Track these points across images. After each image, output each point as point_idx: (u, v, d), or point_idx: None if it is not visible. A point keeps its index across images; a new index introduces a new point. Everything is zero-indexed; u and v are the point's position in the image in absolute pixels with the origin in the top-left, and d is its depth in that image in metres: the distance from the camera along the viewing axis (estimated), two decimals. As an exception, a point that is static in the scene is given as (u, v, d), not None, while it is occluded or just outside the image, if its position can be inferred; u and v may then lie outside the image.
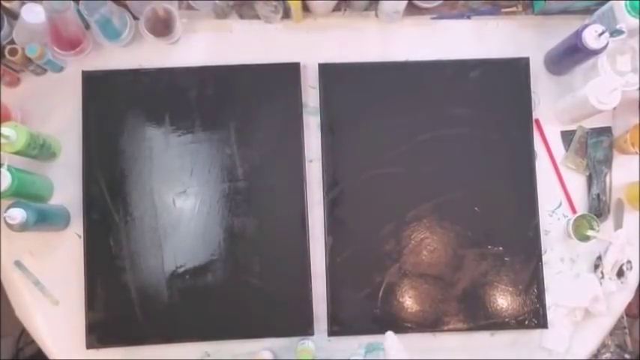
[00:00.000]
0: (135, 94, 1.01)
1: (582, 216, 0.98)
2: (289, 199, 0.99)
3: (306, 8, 1.04)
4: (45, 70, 1.02)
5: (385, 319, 0.98)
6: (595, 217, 0.98)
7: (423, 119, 1.02)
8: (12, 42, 0.98)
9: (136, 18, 1.02)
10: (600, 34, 0.90)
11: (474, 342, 1.00)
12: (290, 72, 1.02)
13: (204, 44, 1.04)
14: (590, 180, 1.03)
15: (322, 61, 1.02)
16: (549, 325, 0.98)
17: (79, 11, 0.96)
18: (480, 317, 0.98)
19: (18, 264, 0.99)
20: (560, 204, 1.03)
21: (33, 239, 0.98)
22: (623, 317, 1.28)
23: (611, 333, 1.27)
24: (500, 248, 0.99)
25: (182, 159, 0.99)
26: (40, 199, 0.97)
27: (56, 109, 1.02)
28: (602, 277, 0.99)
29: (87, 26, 1.00)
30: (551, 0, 1.01)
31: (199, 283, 0.97)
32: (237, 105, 1.01)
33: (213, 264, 0.97)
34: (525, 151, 1.02)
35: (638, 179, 1.02)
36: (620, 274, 1.00)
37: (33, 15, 0.93)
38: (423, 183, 1.00)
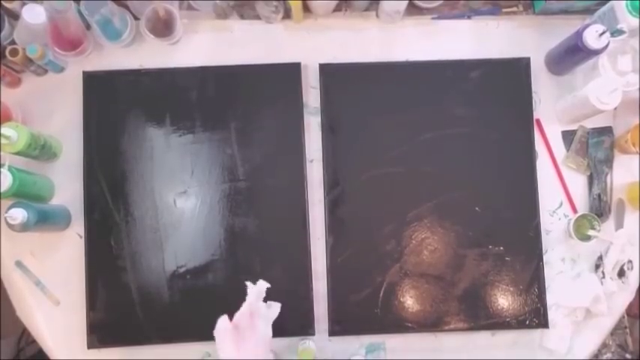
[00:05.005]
0: (136, 94, 1.01)
1: (583, 216, 0.98)
2: (290, 199, 0.99)
3: (306, 8, 1.04)
4: (46, 71, 1.02)
5: (386, 319, 0.98)
6: (596, 216, 0.98)
7: (424, 119, 1.02)
8: (13, 42, 0.98)
9: (136, 18, 1.02)
10: (601, 34, 0.90)
11: (475, 342, 1.00)
12: (291, 72, 1.02)
13: (205, 44, 1.04)
14: (591, 180, 1.03)
15: (323, 61, 1.02)
16: (550, 325, 0.98)
17: (79, 11, 0.96)
18: (480, 317, 0.98)
19: (19, 264, 0.99)
20: (561, 204, 1.03)
21: (34, 239, 0.98)
22: (624, 317, 1.28)
23: (612, 333, 1.26)
24: (501, 248, 0.99)
25: (183, 159, 1.00)
26: (40, 199, 0.97)
27: (57, 109, 1.02)
28: (603, 277, 0.99)
29: (88, 27, 1.00)
30: (552, 0, 1.02)
31: (200, 283, 0.97)
32: (238, 105, 1.01)
33: (213, 264, 0.98)
34: (526, 151, 1.01)
35: (638, 179, 1.02)
36: (621, 274, 1.00)
37: (34, 15, 0.94)
38: (424, 183, 1.00)
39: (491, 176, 1.01)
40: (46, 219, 0.92)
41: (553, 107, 1.04)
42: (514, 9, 1.07)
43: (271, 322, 0.85)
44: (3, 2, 0.96)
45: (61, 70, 1.02)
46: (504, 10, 1.07)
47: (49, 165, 1.00)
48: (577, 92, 0.97)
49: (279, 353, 0.98)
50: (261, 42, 1.04)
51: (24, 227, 0.86)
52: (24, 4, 0.95)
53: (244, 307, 0.84)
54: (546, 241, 1.01)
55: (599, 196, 1.02)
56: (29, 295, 0.98)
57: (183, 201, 0.99)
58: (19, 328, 1.33)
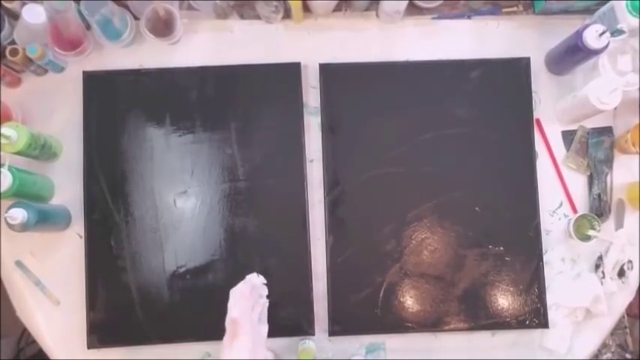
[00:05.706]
0: (136, 94, 1.01)
1: (583, 216, 0.98)
2: (290, 199, 0.99)
3: (306, 8, 1.04)
4: (46, 71, 1.02)
5: (386, 319, 0.98)
6: (596, 216, 0.98)
7: (424, 119, 1.02)
8: (13, 42, 0.98)
9: (136, 18, 1.02)
10: (601, 34, 0.90)
11: (475, 342, 1.00)
12: (291, 72, 1.02)
13: (205, 44, 1.04)
14: (591, 180, 1.03)
15: (323, 61, 1.02)
16: (550, 325, 0.98)
17: (79, 11, 0.96)
18: (480, 317, 0.98)
19: (19, 264, 0.99)
20: (561, 204, 1.03)
21: (34, 239, 0.98)
22: (624, 317, 1.28)
23: (612, 333, 1.27)
24: (501, 248, 0.99)
25: (183, 159, 1.00)
26: (41, 199, 0.97)
27: (57, 109, 1.02)
28: (603, 277, 0.99)
29: (88, 26, 1.00)
30: (552, 0, 1.02)
31: (200, 283, 0.97)
32: (238, 105, 1.01)
33: (213, 264, 0.98)
34: (526, 151, 1.01)
35: (638, 179, 1.02)
36: (621, 274, 1.00)
37: (34, 15, 0.93)
38: (424, 183, 1.00)
39: (491, 176, 1.01)
40: (46, 219, 0.92)
41: (553, 107, 1.04)
42: (514, 9, 1.07)
43: (266, 317, 0.84)
44: (3, 2, 0.96)
45: (61, 70, 1.02)
46: (504, 10, 1.07)
47: (49, 165, 1.00)
48: (577, 92, 0.97)
49: (279, 353, 0.98)
50: (261, 42, 1.04)
51: (24, 227, 0.86)
52: (24, 4, 0.95)
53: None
54: (546, 241, 1.01)
55: (599, 196, 1.02)
56: (29, 295, 0.98)
57: (183, 201, 0.99)
58: (19, 328, 1.33)
